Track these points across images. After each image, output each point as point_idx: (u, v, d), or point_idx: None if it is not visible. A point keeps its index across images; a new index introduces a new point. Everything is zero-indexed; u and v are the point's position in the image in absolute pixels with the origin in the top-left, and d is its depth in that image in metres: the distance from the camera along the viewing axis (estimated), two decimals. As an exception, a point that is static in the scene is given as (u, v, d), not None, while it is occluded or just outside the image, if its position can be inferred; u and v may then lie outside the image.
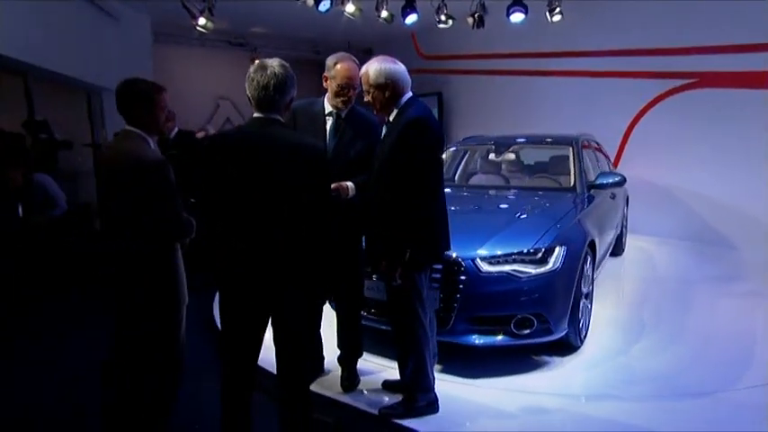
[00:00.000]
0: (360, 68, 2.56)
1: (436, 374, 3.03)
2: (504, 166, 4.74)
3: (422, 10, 7.31)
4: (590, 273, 3.56)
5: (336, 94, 2.64)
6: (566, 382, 2.98)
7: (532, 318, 2.94)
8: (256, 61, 2.08)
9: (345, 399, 2.80)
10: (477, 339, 2.96)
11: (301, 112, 2.75)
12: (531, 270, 2.96)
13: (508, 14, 7.15)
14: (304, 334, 2.14)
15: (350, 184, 2.59)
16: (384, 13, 7.19)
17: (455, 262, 2.93)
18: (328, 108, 2.74)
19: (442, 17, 7.35)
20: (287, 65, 2.07)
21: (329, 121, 2.74)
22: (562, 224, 3.26)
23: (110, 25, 8.08)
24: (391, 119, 2.48)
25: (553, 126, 7.31)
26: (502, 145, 4.84)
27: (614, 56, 7.11)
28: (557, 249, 3.06)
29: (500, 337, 2.96)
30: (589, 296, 3.60)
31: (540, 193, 4.02)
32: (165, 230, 2.16)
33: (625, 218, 5.77)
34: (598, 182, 4.07)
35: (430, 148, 2.28)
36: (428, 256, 2.40)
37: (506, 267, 2.93)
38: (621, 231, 5.63)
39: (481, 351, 3.14)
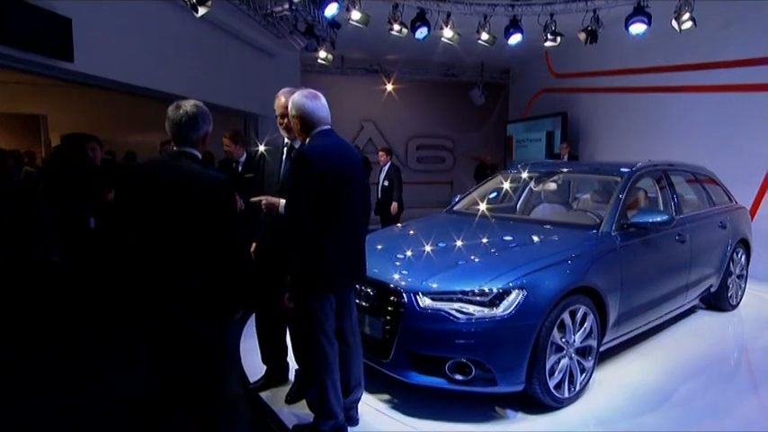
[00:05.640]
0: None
1: (381, 405, 3.05)
2: (543, 196, 4.30)
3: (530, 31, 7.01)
4: (590, 326, 3.08)
5: (279, 124, 2.93)
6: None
7: (470, 364, 2.73)
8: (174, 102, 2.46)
9: (277, 409, 3.00)
10: (415, 377, 2.85)
11: (269, 145, 3.11)
12: (475, 312, 2.74)
13: (627, 26, 6.41)
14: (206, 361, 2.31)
15: (282, 201, 2.77)
16: (485, 36, 7.08)
17: (397, 292, 2.90)
18: (287, 140, 3.03)
19: (549, 35, 6.92)
20: (200, 104, 2.39)
21: (285, 151, 3.03)
22: (535, 265, 2.91)
23: (266, 61, 9.58)
24: None
25: (685, 149, 6.28)
26: (546, 174, 4.39)
27: (756, 65, 5.77)
28: (513, 293, 2.77)
29: (437, 379, 2.81)
30: (588, 353, 3.11)
31: (551, 228, 3.57)
32: None
33: (734, 263, 4.61)
34: (634, 220, 3.44)
35: (306, 182, 2.36)
36: (314, 284, 2.46)
37: (447, 305, 2.77)
38: (725, 280, 4.54)
39: (442, 392, 3.00)
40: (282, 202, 2.78)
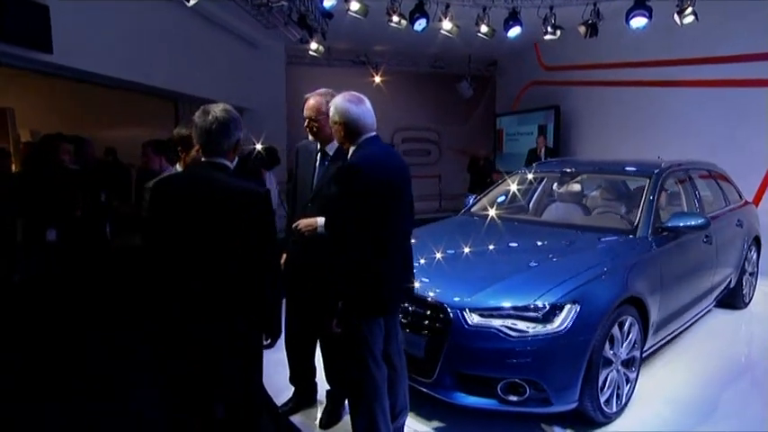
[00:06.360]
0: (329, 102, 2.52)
1: (423, 427, 2.88)
2: (565, 198, 4.17)
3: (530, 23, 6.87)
4: (635, 337, 2.98)
5: (306, 128, 2.68)
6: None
7: (524, 384, 2.57)
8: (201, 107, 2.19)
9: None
10: (462, 398, 2.68)
11: (302, 150, 2.87)
12: (528, 329, 2.59)
13: (628, 19, 6.33)
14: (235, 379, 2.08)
15: (320, 219, 2.57)
16: (484, 28, 6.91)
17: (442, 309, 2.71)
18: (320, 145, 2.78)
19: (549, 28, 6.80)
20: (230, 108, 2.13)
21: (318, 157, 2.78)
22: (584, 277, 2.77)
23: (250, 52, 9.12)
24: (349, 155, 2.39)
25: (683, 146, 6.26)
26: (568, 174, 4.27)
27: (756, 60, 5.80)
28: (566, 308, 2.62)
29: (487, 400, 2.64)
30: (632, 364, 3.01)
31: (585, 234, 3.44)
32: None
33: (748, 261, 4.63)
34: (670, 224, 3.35)
35: (358, 197, 2.14)
36: (366, 307, 2.25)
37: (498, 322, 2.61)
38: (740, 278, 4.55)
39: (485, 411, 2.84)
40: (320, 220, 2.54)
